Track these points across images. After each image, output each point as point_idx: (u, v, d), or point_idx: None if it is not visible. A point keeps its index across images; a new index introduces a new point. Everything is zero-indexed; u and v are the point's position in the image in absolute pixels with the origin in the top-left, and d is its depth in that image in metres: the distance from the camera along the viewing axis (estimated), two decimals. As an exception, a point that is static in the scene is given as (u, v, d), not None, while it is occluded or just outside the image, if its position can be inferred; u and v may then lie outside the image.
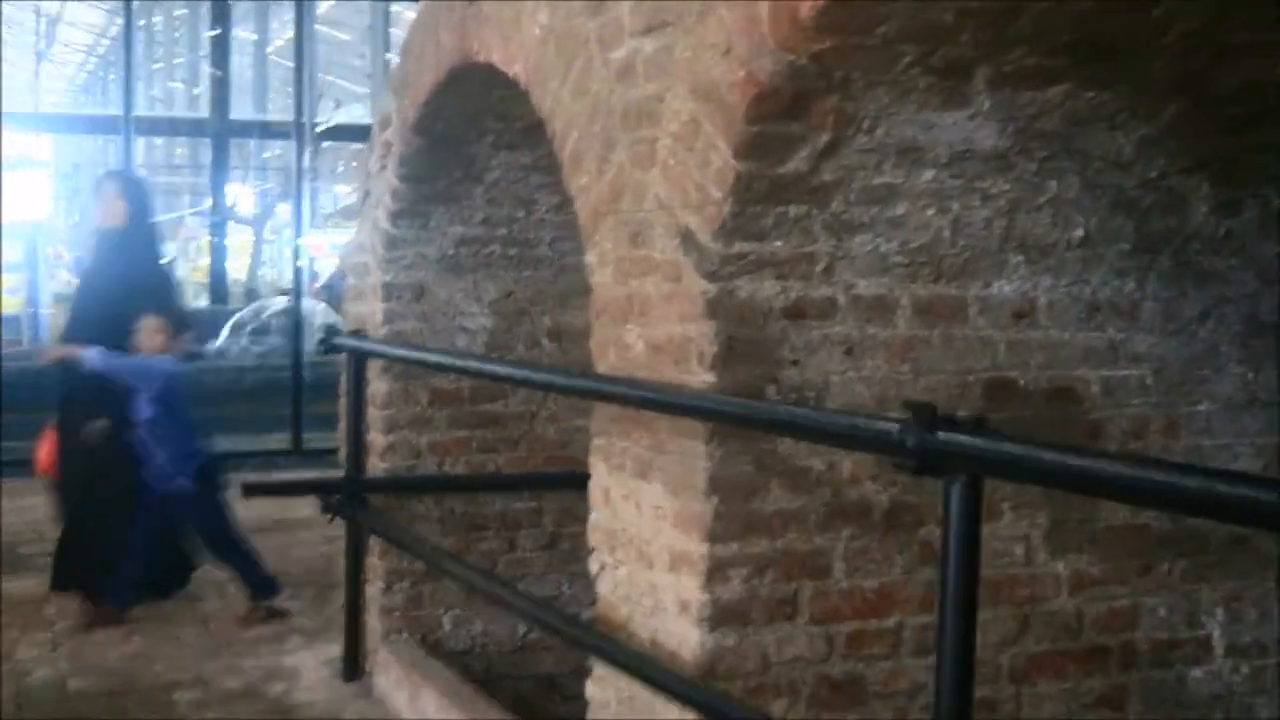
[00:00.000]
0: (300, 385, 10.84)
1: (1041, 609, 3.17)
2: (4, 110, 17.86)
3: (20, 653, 5.41)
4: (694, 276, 2.85)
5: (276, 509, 8.99)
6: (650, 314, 3.01)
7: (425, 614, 4.96)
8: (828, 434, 2.43)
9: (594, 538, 3.29)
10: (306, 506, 9.14)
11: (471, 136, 4.55)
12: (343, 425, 5.30)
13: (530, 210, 4.89)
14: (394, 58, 28.59)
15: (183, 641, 5.66)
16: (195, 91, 31.25)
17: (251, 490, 4.98)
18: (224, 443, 11.04)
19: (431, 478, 4.91)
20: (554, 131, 3.45)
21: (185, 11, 30.83)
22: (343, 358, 5.16)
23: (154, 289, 5.97)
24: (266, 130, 18.17)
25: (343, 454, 5.29)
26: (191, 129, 17.87)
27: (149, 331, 5.77)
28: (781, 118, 2.69)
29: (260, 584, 6.06)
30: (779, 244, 2.84)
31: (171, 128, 19.29)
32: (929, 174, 2.88)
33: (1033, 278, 3.11)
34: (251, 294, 18.97)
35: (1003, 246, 3.04)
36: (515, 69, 3.69)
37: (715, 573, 2.84)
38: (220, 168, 18.28)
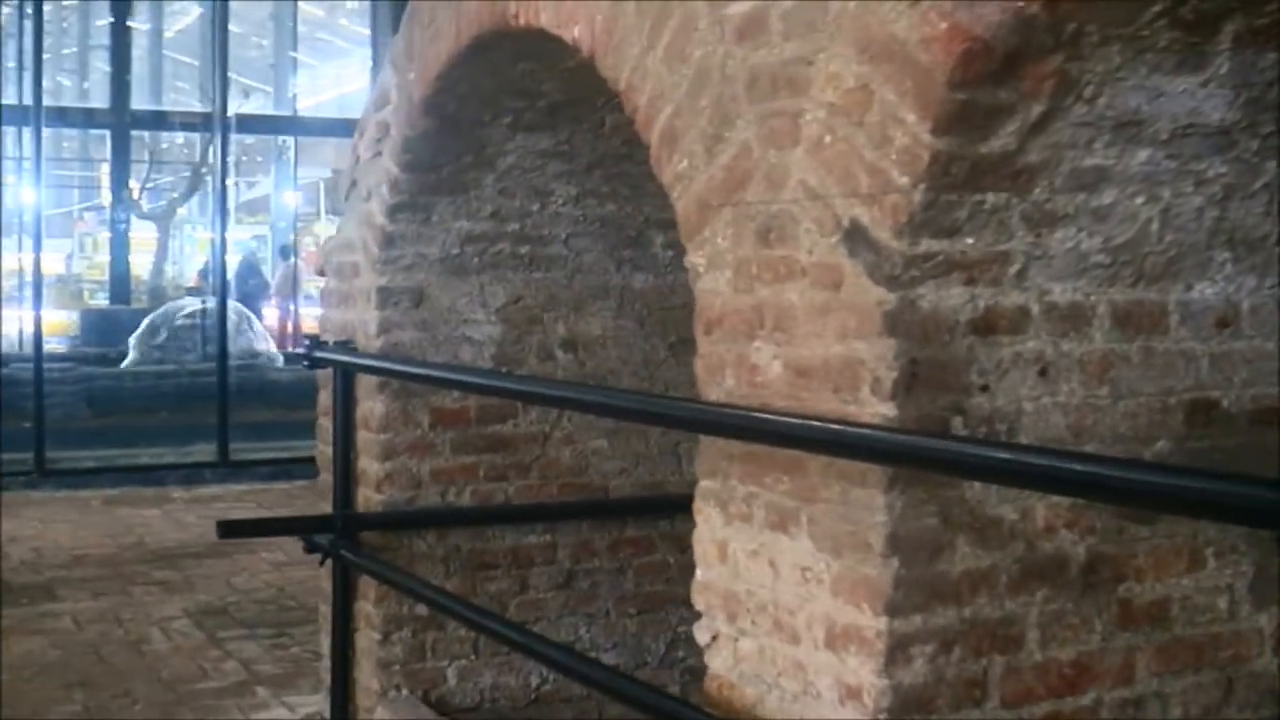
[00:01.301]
0: (226, 392, 10.09)
1: (1245, 670, 2.65)
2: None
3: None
4: (865, 283, 2.27)
5: (210, 530, 8.27)
6: (794, 330, 2.42)
7: (427, 667, 4.32)
8: (1167, 500, 1.83)
9: (703, 600, 2.70)
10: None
11: (487, 117, 3.92)
12: (322, 449, 4.64)
13: (545, 203, 4.27)
14: (299, 56, 27.53)
15: (133, 697, 4.96)
16: (85, 85, 29.94)
17: (229, 530, 4.28)
18: (145, 455, 10.32)
19: (435, 511, 4.27)
20: (636, 107, 2.85)
21: (75, 1, 29.52)
22: (317, 370, 4.52)
23: None
24: (180, 122, 17.20)
25: (324, 481, 4.63)
26: (98, 120, 16.84)
27: None
28: (988, 83, 2.13)
29: None
30: (970, 241, 2.27)
31: (78, 119, 18.22)
32: (1143, 154, 2.33)
33: (1237, 278, 2.58)
34: (156, 293, 17.96)
35: (1210, 241, 2.51)
36: (574, 32, 3.08)
37: (895, 652, 2.27)
38: (121, 161, 17.26)
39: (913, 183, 2.19)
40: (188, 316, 12.88)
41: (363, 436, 4.30)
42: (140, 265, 20.32)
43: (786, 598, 2.46)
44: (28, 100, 14.58)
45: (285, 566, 7.11)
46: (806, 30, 2.37)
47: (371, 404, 4.25)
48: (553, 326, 4.43)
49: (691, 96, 2.66)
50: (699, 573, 2.71)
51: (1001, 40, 2.07)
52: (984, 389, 2.33)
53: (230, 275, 19.06)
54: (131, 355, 12.51)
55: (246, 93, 17.58)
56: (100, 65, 26.17)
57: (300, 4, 28.12)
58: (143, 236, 21.20)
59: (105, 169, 25.81)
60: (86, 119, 17.45)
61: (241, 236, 25.74)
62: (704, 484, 2.69)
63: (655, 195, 4.36)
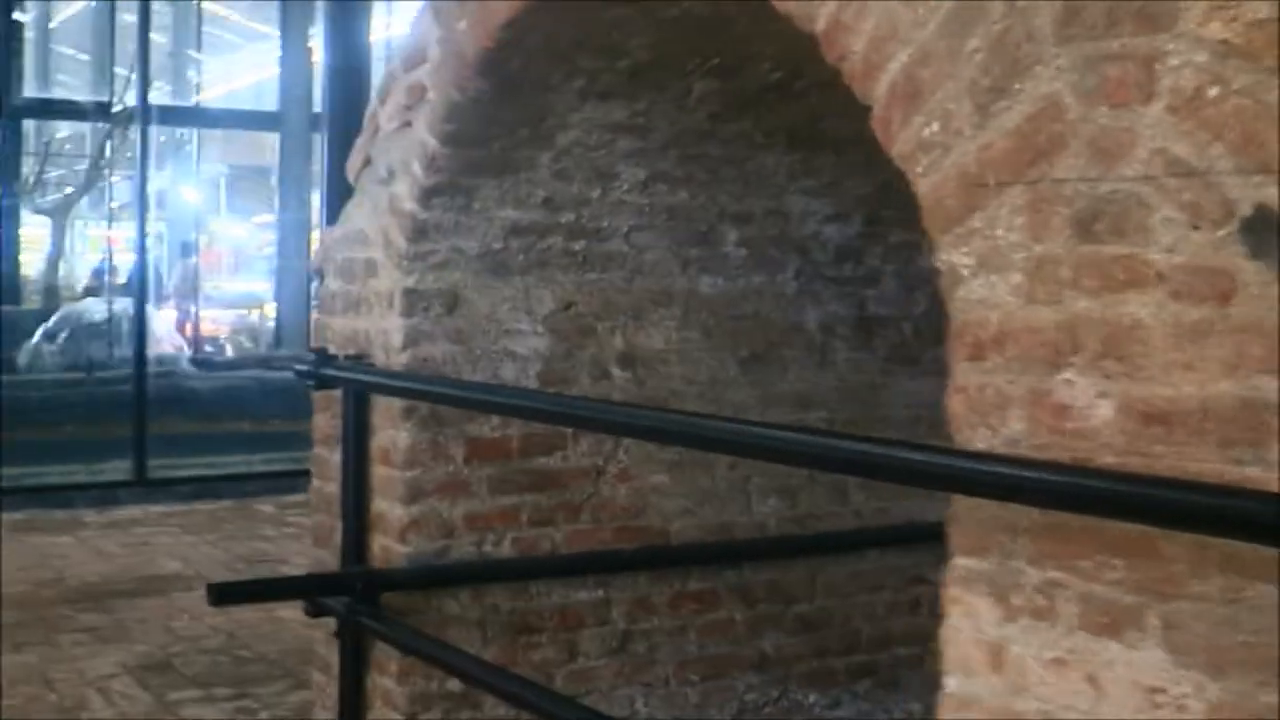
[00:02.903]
0: (144, 402, 9.14)
1: None
2: None
3: None
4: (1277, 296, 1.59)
5: (135, 561, 7.39)
6: (1141, 359, 1.72)
7: (459, 753, 3.56)
8: None
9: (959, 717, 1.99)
10: (171, 557, 7.58)
11: (555, 79, 3.18)
12: (318, 487, 3.86)
13: (607, 189, 3.54)
14: (197, 54, 26.33)
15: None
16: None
17: (224, 595, 3.43)
18: (53, 473, 9.34)
19: (472, 565, 3.51)
20: (845, 53, 2.14)
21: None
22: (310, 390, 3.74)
23: None
24: (93, 111, 16.00)
25: (319, 524, 3.84)
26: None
27: None
28: None
29: None
30: None
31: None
32: None
33: None
34: (50, 293, 16.79)
35: None
36: (732, -40, 2.36)
37: (1321, 825, 1.58)
38: (12, 152, 16.07)
39: (1379, 149, 1.50)
40: (90, 319, 11.83)
41: (380, 473, 3.52)
42: (27, 264, 19.06)
43: (1116, 730, 1.76)
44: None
45: (231, 608, 6.24)
46: (1173, -65, 1.68)
47: (393, 433, 3.47)
48: (608, 338, 3.69)
49: (949, 35, 1.95)
50: (952, 683, 2.01)
51: None
52: None
53: (128, 275, 17.96)
54: (25, 360, 11.45)
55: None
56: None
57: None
58: (30, 234, 19.93)
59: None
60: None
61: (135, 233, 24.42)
62: (964, 563, 1.98)
63: (733, 182, 3.66)
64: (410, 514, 3.46)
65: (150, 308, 11.33)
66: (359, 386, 3.47)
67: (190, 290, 19.87)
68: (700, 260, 3.78)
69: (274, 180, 26.68)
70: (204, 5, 29.85)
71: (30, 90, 22.54)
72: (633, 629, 3.75)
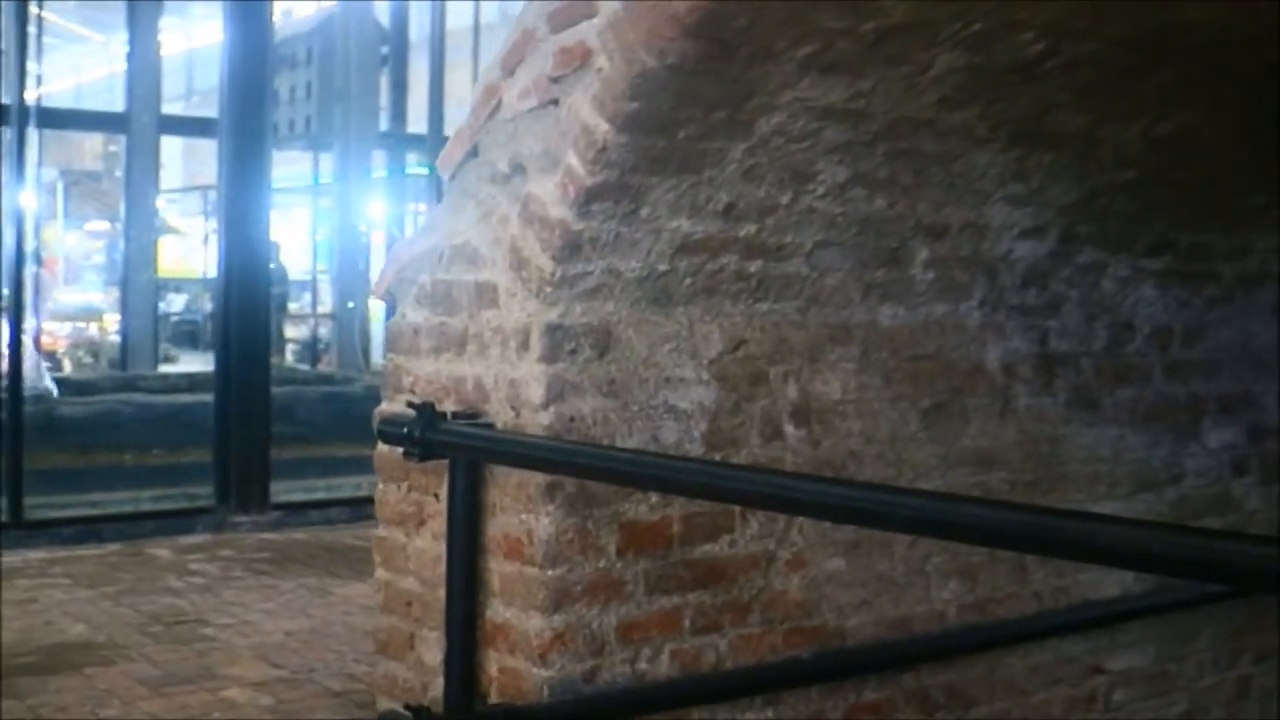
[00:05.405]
0: (20, 434, 7.94)
1: None
2: None
3: None
4: None
5: (31, 624, 6.25)
6: None
7: None
8: None
9: None
10: (71, 617, 6.46)
11: (782, 43, 2.33)
12: (387, 581, 2.93)
13: (799, 192, 2.70)
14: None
15: None
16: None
17: None
18: (-89, 521, 8.07)
19: (628, 692, 2.62)
20: None
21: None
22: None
23: None
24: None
25: (387, 628, 2.92)
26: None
27: None
28: None
29: None
30: None
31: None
32: None
33: None
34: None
35: None
36: None
37: None
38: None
39: None
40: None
41: (505, 571, 2.61)
42: None
43: None
44: None
45: (163, 687, 5.21)
46: None
47: (528, 518, 2.57)
48: (781, 387, 2.85)
49: None
50: None
51: None
52: None
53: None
54: None
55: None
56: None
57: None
58: None
59: None
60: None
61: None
62: None
63: (936, 187, 2.87)
64: (553, 626, 2.56)
65: None
66: (481, 456, 2.56)
67: (37, 303, 18.29)
68: (883, 285, 2.97)
69: (105, 185, 24.91)
70: (30, 8, 28.13)
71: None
72: (805, 759, 2.92)
